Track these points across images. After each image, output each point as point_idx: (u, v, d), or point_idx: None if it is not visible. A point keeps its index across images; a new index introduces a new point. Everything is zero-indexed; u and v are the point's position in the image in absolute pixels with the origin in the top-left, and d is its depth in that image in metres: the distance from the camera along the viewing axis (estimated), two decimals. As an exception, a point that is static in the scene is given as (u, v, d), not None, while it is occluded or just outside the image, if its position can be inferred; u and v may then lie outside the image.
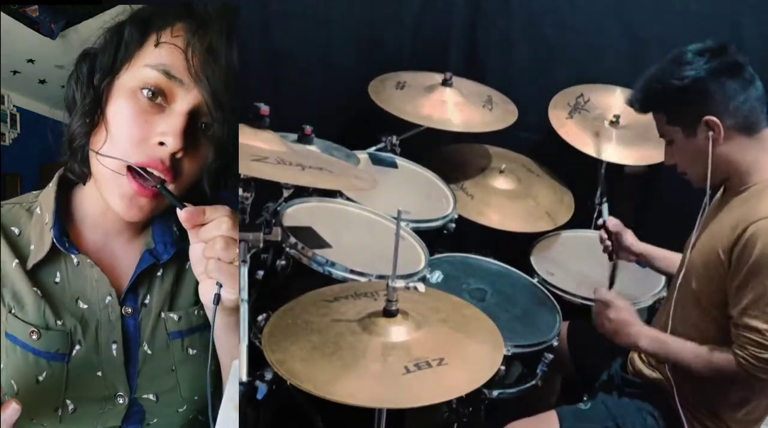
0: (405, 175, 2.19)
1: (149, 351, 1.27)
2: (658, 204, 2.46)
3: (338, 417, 1.66)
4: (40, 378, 1.19)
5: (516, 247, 2.15)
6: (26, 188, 1.32)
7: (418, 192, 2.13)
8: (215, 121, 1.17)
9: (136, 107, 1.15)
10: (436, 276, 1.86)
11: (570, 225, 2.23)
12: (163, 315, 1.28)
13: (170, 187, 1.17)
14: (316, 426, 1.70)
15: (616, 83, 2.37)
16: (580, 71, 2.43)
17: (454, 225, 2.01)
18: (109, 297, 1.24)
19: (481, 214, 2.18)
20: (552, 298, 1.92)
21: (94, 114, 1.18)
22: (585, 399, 1.65)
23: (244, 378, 1.15)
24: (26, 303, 1.20)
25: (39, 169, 1.88)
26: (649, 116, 1.53)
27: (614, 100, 2.34)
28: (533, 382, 1.75)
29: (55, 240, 1.21)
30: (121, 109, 1.16)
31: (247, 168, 1.23)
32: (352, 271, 1.61)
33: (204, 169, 1.21)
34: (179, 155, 1.16)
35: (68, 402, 1.21)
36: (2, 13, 1.46)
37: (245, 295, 1.16)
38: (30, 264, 1.21)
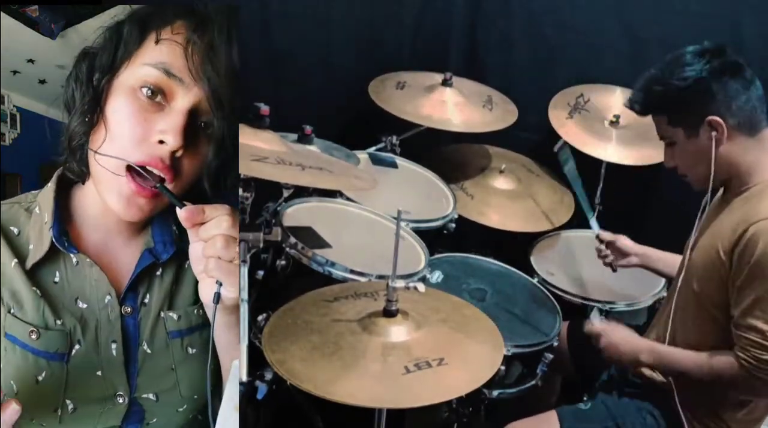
0: (405, 175, 2.19)
1: (149, 351, 1.26)
2: (658, 204, 2.46)
3: (338, 417, 1.66)
4: (40, 378, 1.18)
5: (516, 247, 2.15)
6: (26, 188, 1.32)
7: (418, 192, 2.13)
8: (215, 119, 1.17)
9: (136, 105, 1.15)
10: (436, 276, 1.86)
11: (570, 225, 2.23)
12: (162, 314, 1.28)
13: (170, 185, 1.17)
14: (316, 426, 1.70)
15: (616, 83, 2.38)
16: (580, 71, 2.43)
17: (454, 225, 2.01)
18: (108, 297, 1.24)
19: (481, 214, 2.18)
20: (552, 298, 1.92)
21: (93, 113, 1.18)
22: (585, 399, 1.65)
23: (244, 378, 1.15)
24: (25, 302, 1.19)
25: (39, 169, 1.87)
26: (650, 116, 1.53)
27: (614, 100, 2.34)
28: (533, 382, 1.75)
29: (54, 240, 1.21)
30: (121, 107, 1.16)
31: (247, 168, 1.23)
32: (352, 271, 1.61)
33: (204, 168, 1.21)
34: (179, 154, 1.16)
35: (68, 401, 1.20)
36: (2, 13, 1.45)
37: (245, 295, 1.16)
38: (29, 263, 1.21)
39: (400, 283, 1.26)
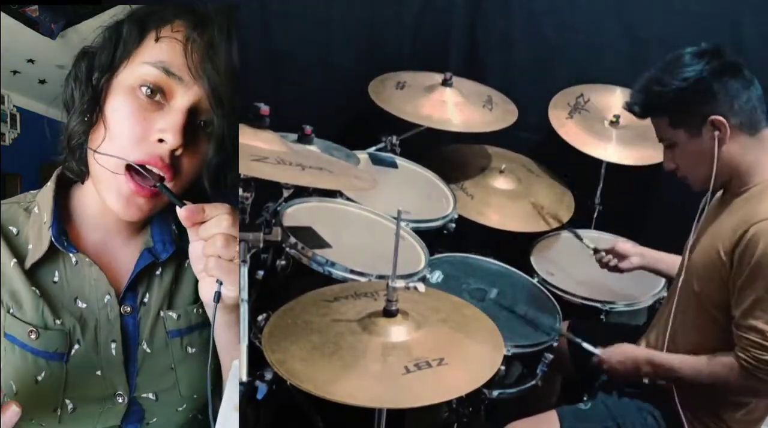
0: (405, 175, 2.18)
1: (148, 350, 1.26)
2: (658, 204, 2.46)
3: (338, 417, 1.66)
4: (39, 378, 1.18)
5: (516, 247, 2.15)
6: (26, 188, 1.32)
7: (418, 192, 2.13)
8: (215, 117, 1.17)
9: (135, 104, 1.15)
10: (436, 276, 1.86)
11: (570, 225, 2.23)
12: (162, 313, 1.28)
13: (169, 184, 1.17)
14: (316, 426, 1.69)
15: (616, 83, 2.38)
16: (580, 71, 2.43)
17: (454, 225, 2.01)
18: (108, 296, 1.24)
19: (481, 214, 2.18)
20: (552, 298, 1.92)
21: (93, 112, 1.18)
22: (585, 399, 1.65)
23: (244, 378, 1.15)
24: (24, 302, 1.19)
25: (39, 169, 1.87)
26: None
27: (614, 100, 2.35)
28: (533, 382, 1.75)
29: (53, 240, 1.20)
30: (120, 106, 1.16)
31: (247, 168, 1.23)
32: (352, 271, 1.61)
33: (203, 167, 1.20)
34: (179, 152, 1.16)
35: (67, 401, 1.20)
36: (2, 13, 1.45)
37: (245, 295, 1.16)
38: (28, 263, 1.21)
39: (400, 283, 1.26)
